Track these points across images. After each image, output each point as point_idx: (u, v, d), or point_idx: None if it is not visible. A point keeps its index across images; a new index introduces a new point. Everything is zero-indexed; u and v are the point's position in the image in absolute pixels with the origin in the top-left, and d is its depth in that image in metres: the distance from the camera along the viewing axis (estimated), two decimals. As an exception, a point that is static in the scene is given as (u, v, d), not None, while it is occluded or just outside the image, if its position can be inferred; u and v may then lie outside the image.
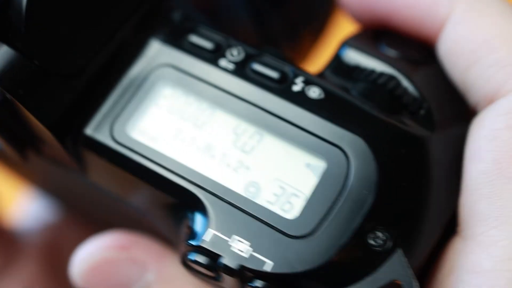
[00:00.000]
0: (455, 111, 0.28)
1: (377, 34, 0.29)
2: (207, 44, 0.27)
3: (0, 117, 0.27)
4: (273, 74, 0.27)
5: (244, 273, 0.24)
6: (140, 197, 0.27)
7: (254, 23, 0.34)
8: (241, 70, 0.27)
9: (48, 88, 0.26)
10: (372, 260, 0.24)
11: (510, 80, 0.26)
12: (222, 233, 0.24)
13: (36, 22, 0.25)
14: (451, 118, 0.28)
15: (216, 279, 0.25)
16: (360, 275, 0.24)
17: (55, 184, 0.34)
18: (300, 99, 0.26)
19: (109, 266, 0.28)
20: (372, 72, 0.27)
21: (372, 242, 0.24)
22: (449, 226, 0.27)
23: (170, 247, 0.29)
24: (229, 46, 0.27)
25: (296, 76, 0.27)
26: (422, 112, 0.27)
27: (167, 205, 0.26)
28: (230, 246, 0.24)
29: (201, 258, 0.25)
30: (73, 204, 0.37)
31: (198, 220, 0.25)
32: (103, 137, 0.27)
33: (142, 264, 0.28)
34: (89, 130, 0.27)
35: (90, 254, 0.29)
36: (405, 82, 0.27)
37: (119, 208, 0.29)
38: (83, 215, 0.38)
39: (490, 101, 0.27)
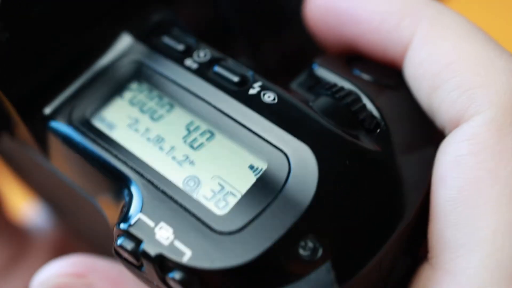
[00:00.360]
0: (421, 134, 0.27)
1: (351, 58, 0.29)
2: (177, 45, 0.28)
3: None
4: (233, 77, 0.27)
5: (163, 262, 0.24)
6: (89, 182, 0.27)
7: (249, 54, 0.35)
8: (203, 71, 0.27)
9: (18, 63, 0.27)
10: (297, 268, 0.23)
11: (473, 104, 0.25)
12: (149, 219, 0.24)
13: None
14: (416, 141, 0.27)
15: (140, 269, 0.25)
16: (281, 282, 0.23)
17: (34, 179, 0.35)
18: (254, 102, 0.26)
19: None
20: (332, 86, 0.27)
21: (301, 250, 0.24)
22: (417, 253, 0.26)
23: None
24: (198, 48, 0.28)
25: (254, 81, 0.27)
26: (378, 131, 0.26)
27: (109, 189, 0.26)
28: (154, 233, 0.24)
29: (126, 243, 0.24)
30: (50, 201, 0.37)
31: (133, 205, 0.25)
32: (61, 119, 0.27)
33: None
34: (48, 110, 0.28)
35: (47, 279, 0.29)
36: (365, 100, 0.27)
37: (76, 197, 0.29)
38: (60, 213, 0.38)
39: (455, 125, 0.26)
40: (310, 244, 0.24)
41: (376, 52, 0.28)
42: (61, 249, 0.39)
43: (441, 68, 0.26)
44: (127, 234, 0.24)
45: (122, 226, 0.24)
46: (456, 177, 0.25)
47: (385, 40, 0.28)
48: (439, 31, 0.26)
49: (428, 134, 0.27)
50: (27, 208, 0.44)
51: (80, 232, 0.38)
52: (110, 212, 0.27)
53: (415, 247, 0.27)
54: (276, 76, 0.35)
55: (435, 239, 0.25)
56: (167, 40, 0.28)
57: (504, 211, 0.24)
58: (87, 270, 0.28)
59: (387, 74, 0.28)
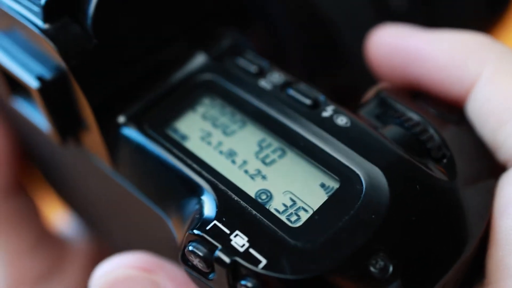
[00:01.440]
0: (483, 166, 0.28)
1: (414, 92, 0.30)
2: (251, 66, 0.29)
3: (53, 94, 0.29)
4: (306, 100, 0.28)
5: (237, 268, 0.24)
6: (159, 192, 0.28)
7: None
8: (277, 92, 0.28)
9: (102, 71, 0.28)
10: (368, 285, 0.24)
11: None
12: (225, 226, 0.25)
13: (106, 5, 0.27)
14: (477, 172, 0.28)
15: (207, 276, 0.25)
16: None
17: (85, 192, 0.35)
18: (327, 124, 0.27)
19: (129, 284, 0.28)
20: (401, 115, 0.28)
21: (371, 267, 0.24)
22: (473, 277, 0.27)
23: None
24: (271, 71, 0.29)
25: (327, 104, 0.28)
26: (444, 160, 0.27)
27: (180, 199, 0.27)
28: (230, 240, 0.24)
29: (199, 249, 0.25)
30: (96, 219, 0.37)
31: (206, 213, 0.25)
32: (135, 127, 0.28)
33: None
34: (122, 118, 0.28)
35: (113, 269, 0.29)
36: (432, 131, 0.28)
37: (140, 211, 0.30)
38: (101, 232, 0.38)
39: None
40: (381, 263, 0.24)
41: (440, 90, 0.30)
42: (98, 260, 0.39)
43: (506, 107, 0.27)
44: (202, 240, 0.25)
45: (197, 231, 0.25)
46: None
47: (451, 78, 0.29)
48: (506, 69, 0.28)
49: (490, 166, 0.28)
50: (63, 219, 0.44)
51: (116, 245, 0.38)
52: (176, 222, 0.27)
53: (472, 275, 0.27)
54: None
55: (495, 265, 0.26)
56: (241, 61, 0.30)
57: None
58: (155, 267, 0.28)
59: (449, 109, 0.30)
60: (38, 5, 0.27)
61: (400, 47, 0.31)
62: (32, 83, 0.28)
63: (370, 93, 0.30)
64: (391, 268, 0.24)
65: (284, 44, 0.35)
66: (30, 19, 0.27)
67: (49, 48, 0.27)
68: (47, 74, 0.28)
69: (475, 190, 0.27)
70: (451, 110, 0.29)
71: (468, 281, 0.27)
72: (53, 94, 0.29)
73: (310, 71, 0.36)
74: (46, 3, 0.27)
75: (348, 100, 0.37)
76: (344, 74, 0.37)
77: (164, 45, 0.29)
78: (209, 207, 0.26)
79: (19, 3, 0.27)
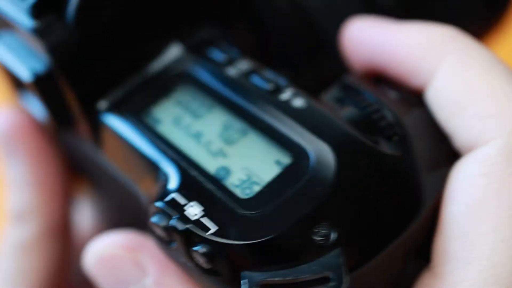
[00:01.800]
0: (438, 151, 0.29)
1: (379, 79, 0.32)
2: (222, 55, 0.32)
3: (48, 87, 0.32)
4: (268, 85, 0.30)
5: (190, 236, 0.26)
6: (134, 168, 0.31)
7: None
8: (243, 78, 0.31)
9: (86, 62, 0.31)
10: (310, 251, 0.26)
11: (488, 131, 0.28)
12: (182, 198, 0.27)
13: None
14: (432, 155, 0.29)
15: (170, 245, 0.27)
16: (294, 261, 0.26)
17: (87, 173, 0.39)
18: (284, 107, 0.29)
19: (114, 262, 0.31)
20: (357, 96, 0.30)
21: (314, 235, 0.26)
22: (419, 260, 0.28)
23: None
24: (239, 59, 0.31)
25: (287, 88, 0.30)
26: (395, 138, 0.28)
27: (151, 173, 0.29)
28: (184, 210, 0.27)
29: (160, 219, 0.27)
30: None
31: (168, 187, 0.28)
32: (114, 112, 0.31)
33: (143, 269, 0.31)
34: (103, 104, 0.31)
35: (102, 247, 0.31)
36: (385, 111, 0.29)
37: (118, 185, 0.33)
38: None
39: (470, 149, 0.28)
40: (323, 231, 0.26)
41: (402, 79, 0.31)
42: None
43: (461, 96, 0.29)
44: (161, 211, 0.27)
45: (157, 203, 0.27)
46: (466, 194, 0.27)
47: (411, 70, 0.30)
48: (464, 62, 0.29)
49: (444, 152, 0.29)
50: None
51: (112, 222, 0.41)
52: (148, 191, 0.30)
53: (423, 256, 0.28)
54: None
55: (439, 250, 0.27)
56: (213, 50, 0.32)
57: (504, 230, 0.26)
58: (137, 246, 0.30)
59: (410, 94, 0.31)
60: (27, 3, 0.30)
61: (368, 38, 0.32)
62: (26, 76, 0.32)
63: None
64: (333, 236, 0.26)
65: (268, 36, 0.37)
66: (19, 18, 0.31)
67: (37, 45, 0.30)
68: (41, 68, 0.32)
69: (427, 170, 0.28)
70: (411, 94, 0.31)
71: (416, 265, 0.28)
72: (46, 86, 0.32)
73: (295, 63, 0.38)
74: (35, 2, 0.30)
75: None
76: (329, 65, 0.39)
77: (143, 36, 0.32)
78: (171, 182, 0.28)
79: (10, 2, 0.31)
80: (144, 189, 0.30)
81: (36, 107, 0.34)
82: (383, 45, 0.31)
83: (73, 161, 0.38)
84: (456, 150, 0.29)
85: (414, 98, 0.31)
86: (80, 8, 0.30)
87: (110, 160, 0.32)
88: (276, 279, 0.25)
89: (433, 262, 0.28)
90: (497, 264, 0.26)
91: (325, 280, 0.25)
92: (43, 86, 0.32)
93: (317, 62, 0.39)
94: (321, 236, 0.26)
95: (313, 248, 0.26)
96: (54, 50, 0.30)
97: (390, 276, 0.28)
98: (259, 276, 0.25)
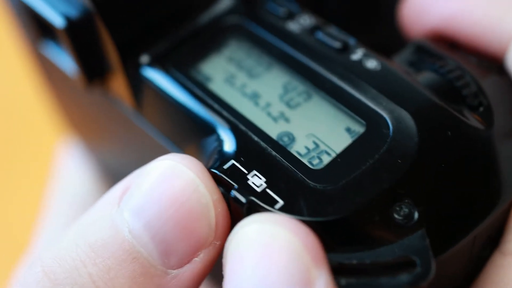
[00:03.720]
0: None
1: (453, 44, 0.29)
2: (280, 10, 0.28)
3: (80, 34, 0.28)
4: (335, 43, 0.27)
5: (253, 208, 0.23)
6: (181, 132, 0.27)
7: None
8: (306, 35, 0.27)
9: (127, 10, 0.27)
10: (391, 231, 0.23)
11: None
12: (242, 166, 0.24)
13: None
14: None
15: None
16: (373, 243, 0.22)
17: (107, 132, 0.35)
18: (356, 67, 0.26)
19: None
20: (436, 60, 0.26)
21: (395, 214, 0.23)
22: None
23: None
24: (301, 14, 0.28)
25: (357, 47, 0.26)
26: (481, 109, 0.25)
27: (201, 140, 0.26)
28: (247, 179, 0.23)
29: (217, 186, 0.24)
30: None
31: (226, 151, 0.25)
32: (158, 67, 0.27)
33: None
34: (145, 58, 0.28)
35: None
36: (469, 78, 0.26)
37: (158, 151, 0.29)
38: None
39: None
40: (405, 209, 0.23)
41: (477, 47, 0.28)
42: None
43: None
44: (220, 179, 0.24)
45: (215, 170, 0.24)
46: None
47: (487, 34, 0.27)
48: None
49: None
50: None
51: None
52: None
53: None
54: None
55: (507, 227, 0.25)
56: (270, 3, 0.29)
57: None
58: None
59: (489, 60, 0.28)
60: None
61: (433, 4, 0.29)
62: (59, 22, 0.28)
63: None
64: (416, 216, 0.23)
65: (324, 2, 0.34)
66: None
67: None
68: (74, 14, 0.28)
69: (506, 143, 0.25)
70: (491, 60, 0.28)
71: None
72: (79, 34, 0.28)
73: (350, 29, 0.35)
74: None
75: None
76: (385, 33, 0.35)
77: None
78: (228, 147, 0.25)
79: None
80: (191, 153, 0.27)
81: (64, 59, 0.31)
82: (452, 10, 0.28)
83: (101, 121, 0.34)
84: None
85: (494, 64, 0.28)
86: None
87: (150, 122, 0.28)
88: (353, 262, 0.22)
89: (502, 240, 0.25)
90: None
91: (408, 265, 0.22)
92: (76, 33, 0.28)
93: (372, 28, 0.35)
94: (402, 215, 0.23)
95: (394, 228, 0.23)
96: None
97: (468, 262, 0.25)
98: (333, 258, 0.22)
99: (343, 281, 0.22)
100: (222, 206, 0.23)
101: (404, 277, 0.22)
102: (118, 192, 0.23)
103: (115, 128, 0.32)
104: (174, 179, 0.22)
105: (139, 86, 0.28)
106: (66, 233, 0.24)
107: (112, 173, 0.39)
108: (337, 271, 0.22)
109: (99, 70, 0.30)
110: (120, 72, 0.28)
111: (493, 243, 0.25)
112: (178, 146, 0.27)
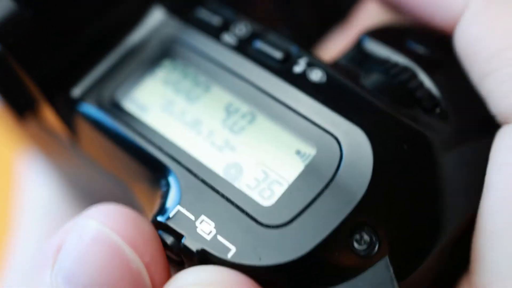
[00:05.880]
0: (479, 119, 0.25)
1: (405, 30, 0.27)
2: (214, 19, 0.26)
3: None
4: (276, 53, 0.25)
5: (205, 258, 0.22)
6: (122, 169, 0.25)
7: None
8: (243, 47, 0.25)
9: (43, 44, 0.25)
10: (353, 264, 0.21)
11: None
12: (190, 212, 0.22)
13: None
14: (472, 126, 0.24)
15: (181, 264, 0.23)
16: (335, 280, 0.21)
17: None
18: (300, 81, 0.24)
19: None
20: (385, 61, 0.24)
21: (356, 244, 0.21)
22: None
23: None
24: (236, 21, 0.26)
25: (299, 56, 0.24)
26: (437, 110, 0.24)
27: (144, 177, 0.24)
28: (196, 227, 0.22)
29: (165, 237, 0.22)
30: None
31: (170, 196, 0.23)
32: (90, 101, 0.25)
33: None
34: (76, 91, 0.26)
35: None
36: (423, 77, 0.24)
37: (106, 186, 0.28)
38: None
39: (505, 120, 0.23)
40: (365, 237, 0.22)
41: (424, 17, 0.26)
42: None
43: (492, 54, 0.23)
44: (166, 228, 0.22)
45: (160, 218, 0.22)
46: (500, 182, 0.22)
47: (436, 6, 0.25)
48: (493, 8, 0.24)
49: (484, 119, 0.24)
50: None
51: None
52: (145, 200, 0.25)
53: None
54: (311, 32, 0.32)
55: (477, 255, 0.23)
56: (202, 12, 0.26)
57: None
58: None
59: (441, 46, 0.26)
60: None
61: None
62: None
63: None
64: (377, 243, 0.21)
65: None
66: None
67: None
68: None
69: (471, 149, 0.24)
70: (443, 46, 0.26)
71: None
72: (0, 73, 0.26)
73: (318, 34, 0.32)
74: None
75: (332, 20, 0.33)
76: (330, 4, 0.33)
77: (114, 3, 0.26)
78: (172, 190, 0.23)
79: None
80: (138, 193, 0.25)
81: None
82: None
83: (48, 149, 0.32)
84: (493, 115, 0.24)
85: (445, 51, 0.26)
86: None
87: (90, 156, 0.26)
88: (316, 303, 0.21)
89: (472, 268, 0.23)
90: None
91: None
92: None
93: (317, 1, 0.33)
94: (364, 244, 0.22)
95: (356, 260, 0.21)
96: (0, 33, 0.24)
97: (434, 280, 0.24)
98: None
99: None
100: (157, 264, 0.22)
101: None
102: (52, 249, 0.22)
103: (60, 157, 0.31)
104: (101, 246, 0.21)
105: (73, 120, 0.26)
106: None
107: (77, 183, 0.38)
108: None
109: (29, 103, 0.27)
110: (49, 109, 0.26)
111: (459, 251, 0.24)
112: (123, 182, 0.26)
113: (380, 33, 0.26)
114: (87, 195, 0.32)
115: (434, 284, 0.24)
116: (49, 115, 0.27)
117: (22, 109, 0.28)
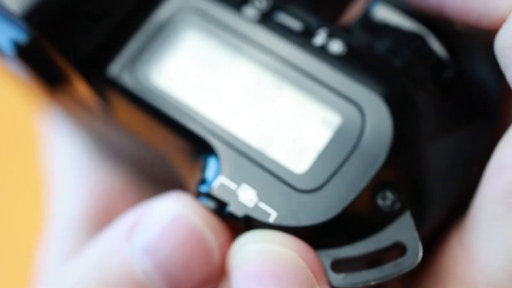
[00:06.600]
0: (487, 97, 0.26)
1: None
2: None
3: (32, 56, 0.28)
4: (297, 24, 0.26)
5: (248, 222, 0.24)
6: (159, 141, 0.28)
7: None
8: (265, 19, 0.27)
9: (76, 26, 0.26)
10: (379, 220, 0.24)
11: None
12: (230, 182, 0.25)
13: None
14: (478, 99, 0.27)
15: None
16: (365, 234, 0.24)
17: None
18: (322, 52, 0.26)
19: None
20: (396, 30, 0.26)
21: (380, 201, 0.24)
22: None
23: None
24: None
25: (320, 27, 0.26)
26: (447, 75, 0.26)
27: (183, 150, 0.27)
28: (237, 195, 0.25)
29: (210, 204, 0.25)
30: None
31: (210, 167, 0.25)
32: (125, 78, 0.27)
33: None
34: (111, 71, 0.27)
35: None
36: (434, 43, 0.26)
37: (143, 156, 0.30)
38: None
39: None
40: (389, 195, 0.24)
41: (467, 20, 0.25)
42: None
43: None
44: (210, 197, 0.25)
45: (204, 188, 0.25)
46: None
47: (478, 9, 0.24)
48: None
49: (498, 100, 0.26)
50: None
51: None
52: (185, 170, 0.27)
53: None
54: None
55: (474, 211, 0.24)
56: None
57: None
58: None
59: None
60: None
61: None
62: (8, 50, 0.27)
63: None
64: (399, 201, 0.24)
65: None
66: None
67: (13, 14, 0.25)
68: (23, 39, 0.27)
69: (473, 120, 0.26)
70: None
71: None
72: (33, 55, 0.27)
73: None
74: None
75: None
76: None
77: None
78: (212, 162, 0.25)
79: None
80: (178, 163, 0.27)
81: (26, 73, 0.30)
82: None
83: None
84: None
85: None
86: None
87: (128, 131, 0.28)
88: (348, 254, 0.24)
89: (464, 227, 0.25)
90: None
91: (397, 249, 0.24)
92: (28, 56, 0.27)
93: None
94: (387, 202, 0.24)
95: (381, 216, 0.24)
96: (28, 14, 0.25)
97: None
98: (329, 255, 0.24)
99: (334, 277, 0.24)
100: (226, 246, 0.24)
101: (393, 264, 0.24)
102: (126, 225, 0.25)
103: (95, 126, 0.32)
104: (184, 226, 0.24)
105: (108, 96, 0.28)
106: (75, 267, 0.25)
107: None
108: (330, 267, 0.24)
109: (60, 77, 0.29)
110: (85, 86, 0.28)
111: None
112: (166, 156, 0.28)
113: None
114: (117, 155, 0.34)
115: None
116: (82, 90, 0.29)
117: (53, 82, 0.29)
